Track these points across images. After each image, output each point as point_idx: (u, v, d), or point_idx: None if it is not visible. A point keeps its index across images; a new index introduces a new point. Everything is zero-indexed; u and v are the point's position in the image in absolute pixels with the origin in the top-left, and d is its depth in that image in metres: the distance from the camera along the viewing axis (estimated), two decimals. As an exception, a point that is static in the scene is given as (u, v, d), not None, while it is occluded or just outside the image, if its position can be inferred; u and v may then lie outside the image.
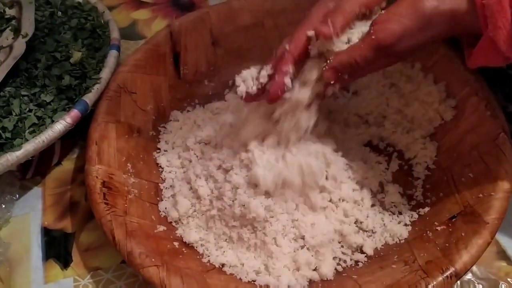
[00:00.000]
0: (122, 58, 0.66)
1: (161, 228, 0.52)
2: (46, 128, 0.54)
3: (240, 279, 0.49)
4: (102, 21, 0.67)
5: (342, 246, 0.51)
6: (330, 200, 0.53)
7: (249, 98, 0.50)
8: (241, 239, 0.51)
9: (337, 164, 0.53)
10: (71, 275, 0.53)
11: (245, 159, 0.50)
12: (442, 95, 0.58)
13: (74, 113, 0.55)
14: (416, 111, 0.58)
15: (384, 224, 0.52)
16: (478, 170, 0.50)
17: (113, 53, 0.62)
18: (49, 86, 0.58)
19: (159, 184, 0.57)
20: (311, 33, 0.45)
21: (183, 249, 0.51)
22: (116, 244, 0.47)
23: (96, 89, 0.58)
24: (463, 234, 0.45)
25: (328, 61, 0.45)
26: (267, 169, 0.49)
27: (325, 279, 0.49)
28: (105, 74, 0.59)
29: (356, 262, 0.50)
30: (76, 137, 0.62)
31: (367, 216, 0.53)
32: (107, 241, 0.48)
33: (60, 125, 0.54)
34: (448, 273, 0.43)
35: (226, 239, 0.52)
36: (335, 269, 0.50)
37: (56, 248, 0.55)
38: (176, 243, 0.51)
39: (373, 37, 0.42)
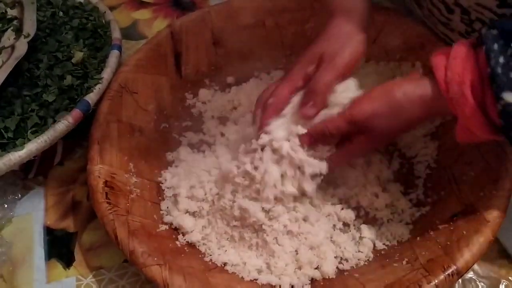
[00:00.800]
0: (123, 58, 0.66)
1: (163, 227, 0.53)
2: (48, 128, 0.54)
3: (242, 278, 0.49)
4: (104, 21, 0.68)
5: (343, 246, 0.51)
6: (332, 197, 0.53)
7: None
8: (242, 238, 0.51)
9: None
10: (73, 275, 0.53)
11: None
12: (443, 94, 0.58)
13: (76, 113, 0.55)
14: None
15: (386, 222, 0.52)
16: (479, 168, 0.50)
17: (114, 53, 0.62)
18: (51, 86, 0.58)
19: (161, 184, 0.57)
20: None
21: (185, 248, 0.51)
22: (119, 243, 0.47)
23: (97, 89, 0.58)
24: (464, 232, 0.46)
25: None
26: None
27: (327, 277, 0.49)
28: (106, 74, 0.59)
29: (358, 260, 0.50)
30: (78, 137, 0.62)
31: (369, 215, 0.53)
32: (110, 240, 0.48)
33: (62, 125, 0.54)
34: (449, 271, 0.43)
35: (228, 238, 0.52)
36: (337, 267, 0.50)
37: (59, 247, 0.55)
38: (178, 242, 0.52)
39: (347, 112, 0.48)
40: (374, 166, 0.56)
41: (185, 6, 0.80)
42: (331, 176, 0.52)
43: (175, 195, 0.55)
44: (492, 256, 0.51)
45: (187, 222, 0.52)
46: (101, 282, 0.52)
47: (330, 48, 0.50)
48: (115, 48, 0.63)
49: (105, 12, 0.69)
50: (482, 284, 0.50)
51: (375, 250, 0.51)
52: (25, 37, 0.59)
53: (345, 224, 0.53)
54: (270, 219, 0.50)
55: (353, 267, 0.50)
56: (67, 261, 0.54)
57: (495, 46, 0.39)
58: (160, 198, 0.56)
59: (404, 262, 0.47)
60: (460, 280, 0.49)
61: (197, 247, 0.52)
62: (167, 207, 0.55)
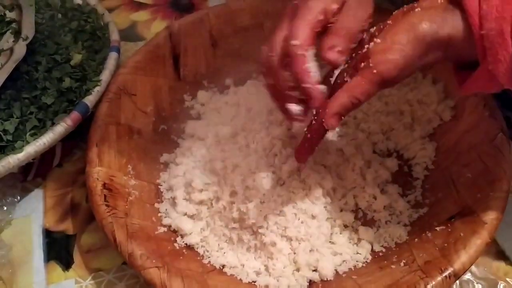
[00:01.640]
0: (122, 60, 0.66)
1: (162, 229, 0.53)
2: (47, 130, 0.54)
3: (241, 280, 0.49)
4: (102, 23, 0.68)
5: (341, 248, 0.51)
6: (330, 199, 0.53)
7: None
8: (241, 240, 0.51)
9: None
10: (72, 277, 0.53)
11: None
12: (441, 96, 0.58)
13: (75, 115, 0.55)
14: (415, 111, 0.58)
15: (384, 224, 0.53)
16: (476, 170, 0.50)
17: (113, 55, 0.62)
18: (50, 88, 0.58)
19: (159, 186, 0.57)
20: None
21: (184, 250, 0.52)
22: (117, 246, 0.47)
23: (96, 91, 0.58)
24: (461, 234, 0.46)
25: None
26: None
27: (325, 279, 0.49)
28: (105, 76, 0.59)
29: (356, 262, 0.50)
30: (77, 139, 0.62)
31: (367, 216, 0.53)
32: (108, 242, 0.48)
33: (61, 127, 0.54)
34: (446, 273, 0.43)
35: (226, 240, 0.52)
36: (335, 269, 0.50)
37: (58, 249, 0.55)
38: (176, 245, 0.52)
39: (374, 71, 0.38)
40: (372, 167, 0.56)
41: (184, 7, 0.80)
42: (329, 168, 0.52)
43: (173, 197, 0.55)
44: (490, 258, 0.51)
45: (185, 224, 0.53)
46: (100, 285, 0.52)
47: None
48: (113, 50, 0.63)
49: (103, 14, 0.69)
50: (480, 285, 0.50)
51: (373, 251, 0.51)
52: (24, 39, 0.59)
53: (343, 226, 0.53)
54: (268, 221, 0.50)
55: (351, 269, 0.50)
56: (66, 263, 0.54)
57: None
58: (158, 200, 0.56)
59: (402, 264, 0.47)
60: (457, 282, 0.50)
61: (196, 249, 0.52)
62: (166, 209, 0.55)
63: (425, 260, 0.46)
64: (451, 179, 0.52)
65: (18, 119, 0.55)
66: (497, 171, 0.48)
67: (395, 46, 0.38)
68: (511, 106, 0.58)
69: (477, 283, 0.50)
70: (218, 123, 0.59)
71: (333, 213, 0.53)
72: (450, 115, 0.56)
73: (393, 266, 0.47)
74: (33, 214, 0.58)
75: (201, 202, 0.53)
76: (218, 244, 0.52)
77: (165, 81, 0.64)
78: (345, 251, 0.51)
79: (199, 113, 0.64)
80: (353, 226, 0.53)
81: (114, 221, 0.49)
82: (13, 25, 0.61)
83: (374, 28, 0.43)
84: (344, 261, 0.50)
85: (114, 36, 0.65)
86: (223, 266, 0.50)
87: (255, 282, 0.49)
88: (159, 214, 0.54)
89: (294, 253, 0.50)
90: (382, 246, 0.51)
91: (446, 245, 0.46)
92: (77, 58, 0.60)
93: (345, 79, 0.42)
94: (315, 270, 0.50)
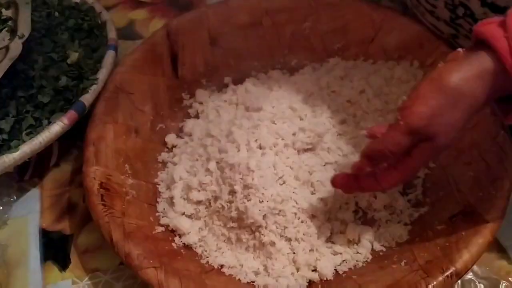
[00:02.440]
0: (120, 58, 0.65)
1: (160, 229, 0.52)
2: (43, 129, 0.54)
3: (239, 280, 0.49)
4: (100, 21, 0.67)
5: (341, 247, 0.51)
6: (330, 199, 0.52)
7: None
8: (239, 240, 0.50)
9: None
10: (69, 277, 0.53)
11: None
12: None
13: (71, 114, 0.55)
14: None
15: (384, 223, 0.52)
16: (478, 168, 0.50)
17: (110, 54, 0.61)
18: (46, 87, 0.57)
19: (157, 185, 0.57)
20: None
21: (182, 250, 0.51)
22: (114, 246, 0.47)
23: (93, 90, 0.57)
24: (463, 233, 0.45)
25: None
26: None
27: (325, 279, 0.49)
28: (102, 74, 0.59)
29: (356, 262, 0.50)
30: (74, 138, 0.62)
31: (367, 216, 0.53)
32: (106, 242, 0.48)
33: (57, 126, 0.54)
34: (448, 272, 0.43)
35: (225, 240, 0.51)
36: (335, 269, 0.49)
37: (54, 250, 0.55)
38: (174, 244, 0.51)
39: (401, 123, 0.41)
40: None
41: (182, 5, 0.80)
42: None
43: (171, 197, 0.54)
44: (492, 257, 0.51)
45: (183, 223, 0.52)
46: (97, 285, 0.52)
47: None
48: (111, 48, 0.62)
49: (101, 12, 0.68)
50: (482, 285, 0.49)
51: (373, 251, 0.50)
52: (20, 37, 0.58)
53: (344, 226, 0.52)
54: (267, 220, 0.50)
55: (351, 268, 0.49)
56: (63, 264, 0.54)
57: None
58: (156, 199, 0.55)
59: (403, 264, 0.46)
60: (459, 281, 0.49)
61: (194, 249, 0.51)
62: (164, 209, 0.54)
63: (426, 259, 0.45)
64: (452, 177, 0.52)
65: (14, 118, 0.55)
66: (499, 170, 0.48)
67: (418, 100, 0.40)
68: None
69: (479, 282, 0.50)
70: (217, 122, 0.58)
71: (333, 213, 0.52)
72: (451, 113, 0.56)
73: (393, 266, 0.47)
74: (30, 214, 0.57)
75: (199, 202, 0.53)
76: (217, 244, 0.51)
77: (163, 79, 0.63)
78: (345, 250, 0.50)
79: (197, 112, 0.64)
80: (353, 226, 0.52)
81: (111, 221, 0.48)
82: (9, 23, 0.61)
83: None
84: (344, 260, 0.50)
85: (112, 34, 0.65)
86: (222, 266, 0.50)
87: (254, 282, 0.48)
88: (157, 214, 0.54)
89: (294, 253, 0.50)
90: (382, 245, 0.50)
91: (447, 244, 0.45)
92: (74, 56, 0.60)
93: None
94: (314, 270, 0.49)
